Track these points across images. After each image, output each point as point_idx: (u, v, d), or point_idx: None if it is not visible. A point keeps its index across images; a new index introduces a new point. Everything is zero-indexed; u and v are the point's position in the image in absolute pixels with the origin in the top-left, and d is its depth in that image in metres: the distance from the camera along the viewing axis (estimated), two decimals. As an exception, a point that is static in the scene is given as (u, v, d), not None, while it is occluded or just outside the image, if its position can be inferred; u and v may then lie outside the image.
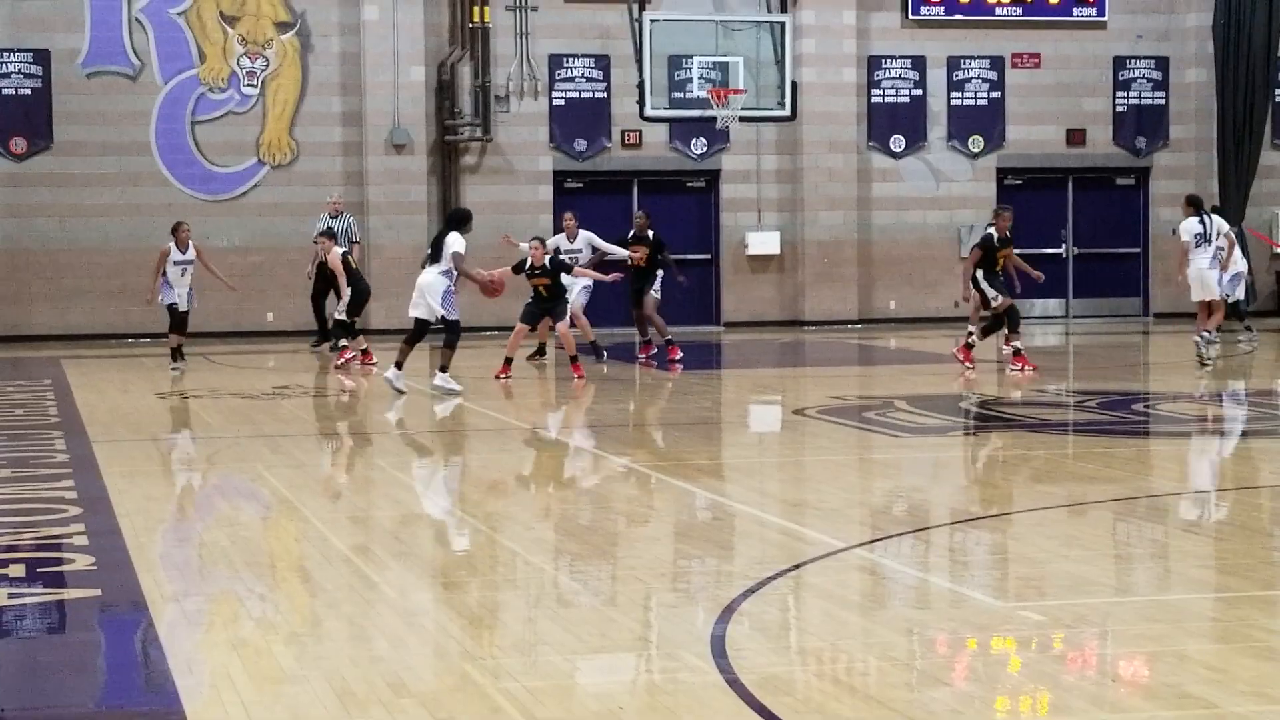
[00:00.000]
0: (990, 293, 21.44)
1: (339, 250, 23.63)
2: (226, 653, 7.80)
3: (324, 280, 25.23)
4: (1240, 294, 25.14)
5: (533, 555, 10.29)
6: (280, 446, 16.13)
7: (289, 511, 12.05)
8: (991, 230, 21.57)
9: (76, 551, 10.19)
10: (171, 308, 22.73)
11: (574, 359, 20.97)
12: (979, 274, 21.43)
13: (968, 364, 21.42)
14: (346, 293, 23.36)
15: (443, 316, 19.14)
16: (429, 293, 19.13)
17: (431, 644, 8.08)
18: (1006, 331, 21.59)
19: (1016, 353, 21.22)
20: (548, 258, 20.97)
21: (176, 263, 22.71)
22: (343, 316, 23.41)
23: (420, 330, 19.46)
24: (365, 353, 23.27)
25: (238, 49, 28.94)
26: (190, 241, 22.93)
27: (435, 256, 19.19)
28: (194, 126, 28.84)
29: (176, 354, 22.89)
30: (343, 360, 23.14)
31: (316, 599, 9.03)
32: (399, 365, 19.34)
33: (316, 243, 24.36)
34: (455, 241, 19.17)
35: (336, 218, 25.87)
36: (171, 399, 19.46)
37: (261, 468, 14.34)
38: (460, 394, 19.04)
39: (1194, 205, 22.42)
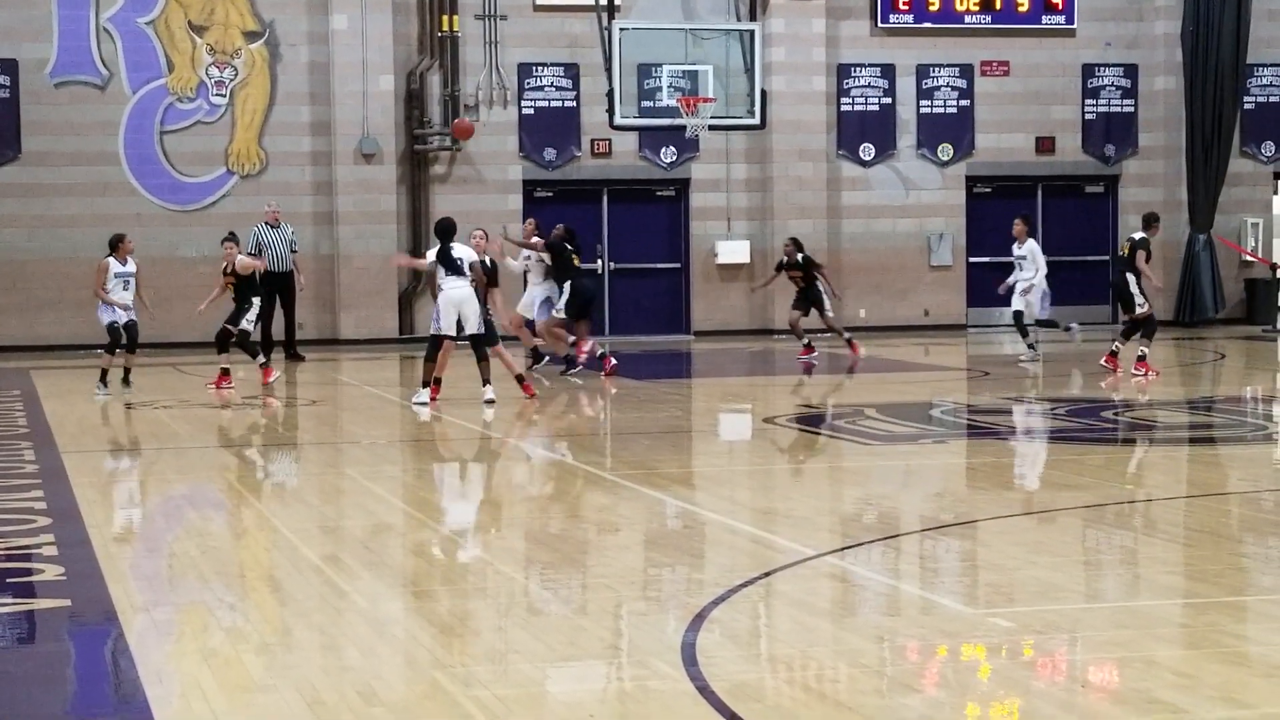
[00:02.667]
0: (1139, 299, 21.77)
1: (244, 258, 22.58)
2: (197, 663, 7.78)
3: (271, 290, 24.85)
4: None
5: (503, 564, 10.29)
6: (250, 456, 16.11)
7: (259, 521, 12.03)
8: (1146, 236, 21.93)
9: (46, 562, 10.15)
10: (111, 327, 21.28)
11: (520, 378, 19.89)
12: (1131, 279, 21.90)
13: (1117, 370, 21.73)
14: (255, 304, 22.43)
15: (477, 329, 18.92)
16: (468, 307, 18.80)
17: (402, 653, 8.07)
18: (1138, 337, 22.12)
19: (1139, 358, 21.77)
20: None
21: (118, 275, 21.52)
22: (247, 328, 22.10)
23: (436, 345, 19.07)
24: (225, 374, 21.68)
25: (206, 58, 28.89)
26: (130, 256, 21.67)
27: (456, 269, 18.80)
28: (162, 136, 28.78)
29: (106, 375, 21.16)
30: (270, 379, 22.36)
31: (287, 608, 9.02)
32: (428, 384, 19.09)
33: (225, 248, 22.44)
34: (468, 253, 18.96)
35: (276, 227, 25.75)
36: (141, 409, 19.40)
37: (231, 478, 14.33)
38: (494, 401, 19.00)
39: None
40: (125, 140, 28.64)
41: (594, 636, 8.30)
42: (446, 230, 19.15)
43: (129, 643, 8.20)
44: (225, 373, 21.65)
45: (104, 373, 21.18)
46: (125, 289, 21.59)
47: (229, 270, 21.97)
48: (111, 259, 21.44)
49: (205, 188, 28.93)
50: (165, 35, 28.78)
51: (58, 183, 28.41)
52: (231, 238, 22.47)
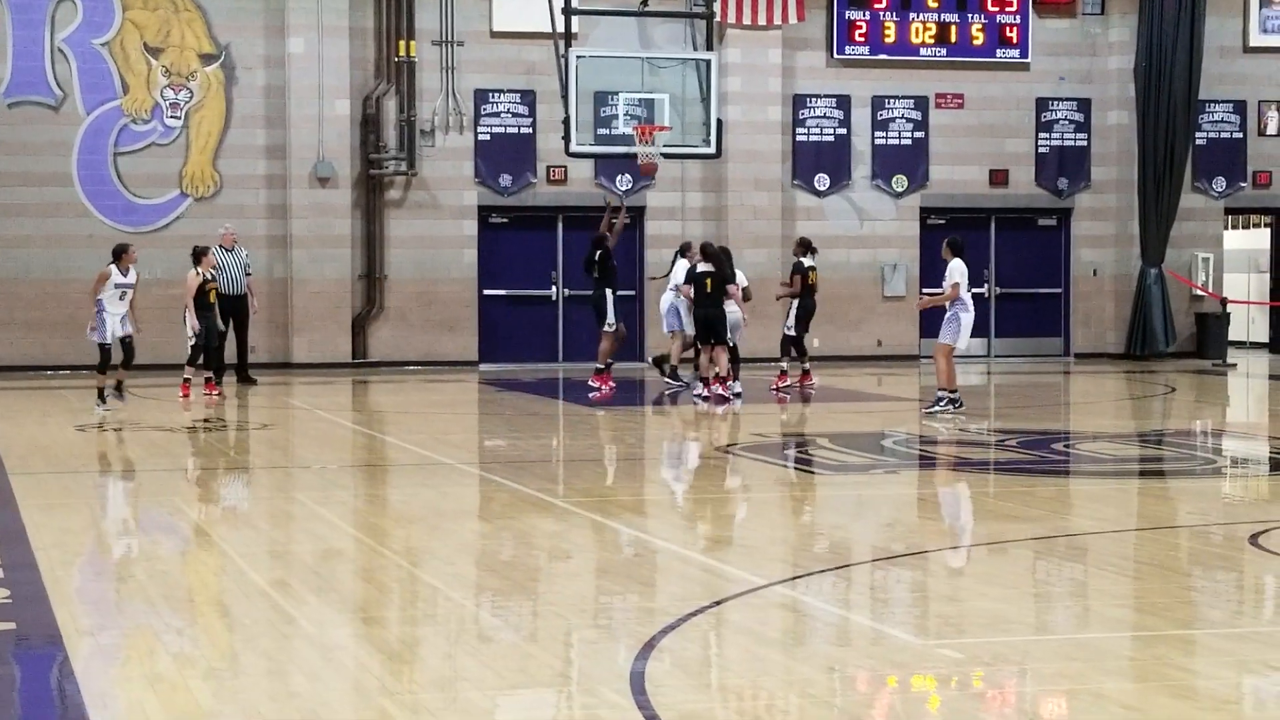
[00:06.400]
0: None
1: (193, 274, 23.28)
2: (143, 688, 7.73)
3: (224, 312, 25.07)
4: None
5: (453, 591, 10.26)
6: (200, 480, 16.04)
7: (207, 545, 11.97)
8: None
9: (-9, 585, 10.09)
10: (102, 347, 21.44)
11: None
12: None
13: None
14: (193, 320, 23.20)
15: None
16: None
17: (350, 679, 8.03)
18: None
19: None
20: None
21: (118, 285, 21.69)
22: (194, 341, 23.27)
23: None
24: (186, 383, 23.21)
25: (161, 80, 28.80)
26: (133, 267, 21.94)
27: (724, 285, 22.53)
28: (116, 158, 28.67)
29: (104, 393, 21.41)
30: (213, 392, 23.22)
31: (234, 634, 8.97)
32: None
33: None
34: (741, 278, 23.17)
35: (231, 250, 25.68)
36: (90, 431, 19.31)
37: (180, 501, 14.25)
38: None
39: (956, 248, 21.00)
40: (78, 161, 28.52)
41: (543, 664, 8.28)
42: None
43: (74, 667, 8.14)
44: (187, 382, 23.09)
45: (100, 390, 21.50)
46: (121, 299, 21.74)
47: (213, 275, 22.88)
48: (113, 267, 21.72)
49: (159, 210, 28.82)
50: (120, 57, 28.68)
51: (9, 203, 28.26)
52: (206, 247, 23.76)
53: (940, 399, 20.77)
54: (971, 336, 31.17)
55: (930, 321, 31.19)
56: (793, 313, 24.69)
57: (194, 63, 28.95)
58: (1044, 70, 31.78)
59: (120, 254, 21.92)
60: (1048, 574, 10.98)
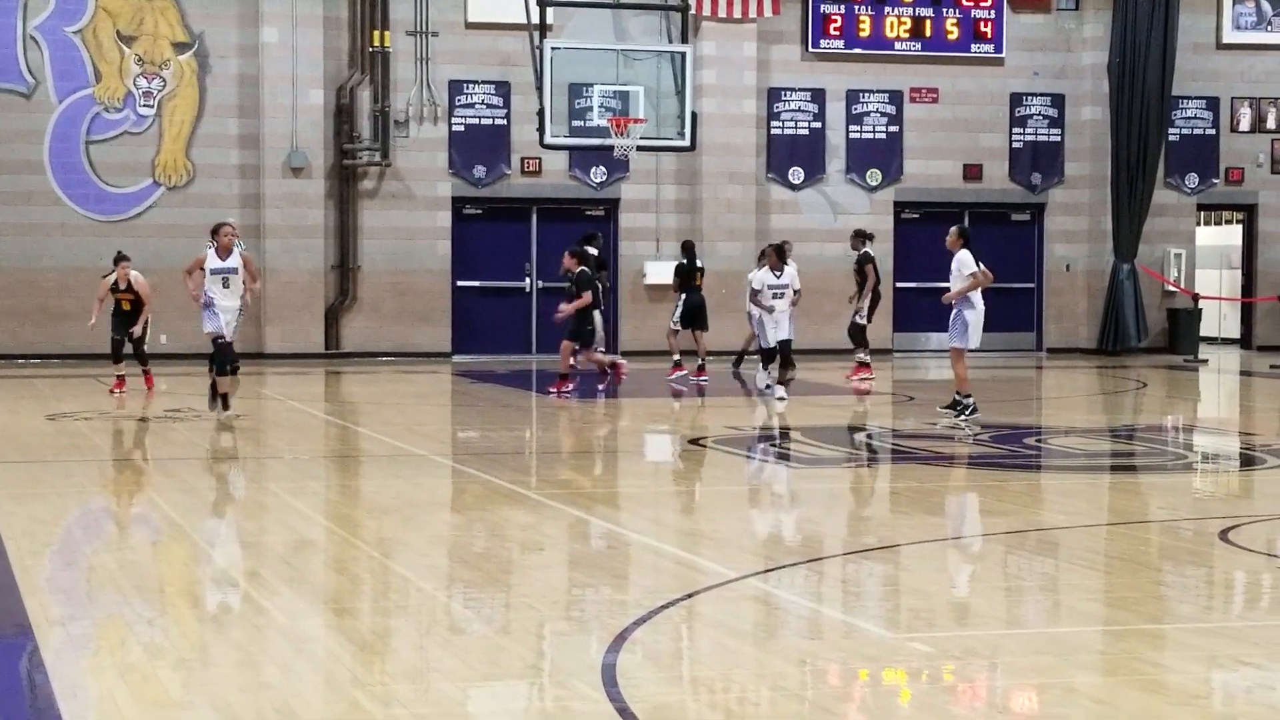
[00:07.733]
0: None
1: (141, 278, 22.31)
2: (113, 678, 7.72)
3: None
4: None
5: (425, 582, 10.24)
6: (171, 470, 15.99)
7: (179, 535, 11.94)
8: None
9: (-39, 574, 10.05)
10: (216, 341, 18.88)
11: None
12: None
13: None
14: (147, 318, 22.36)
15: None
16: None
17: (321, 671, 8.02)
18: None
19: None
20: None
21: (214, 271, 18.82)
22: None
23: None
24: (148, 374, 22.51)
25: (134, 69, 28.71)
26: (234, 247, 19.04)
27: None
28: (88, 146, 28.57)
29: (225, 400, 19.08)
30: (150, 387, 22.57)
31: (205, 624, 8.95)
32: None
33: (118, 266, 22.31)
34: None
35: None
36: (61, 421, 19.24)
37: (152, 491, 14.22)
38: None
39: (966, 237, 20.24)
40: (50, 149, 28.42)
41: (515, 656, 8.28)
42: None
43: (44, 657, 8.12)
44: (120, 379, 22.37)
45: (223, 395, 19.10)
46: (226, 286, 18.88)
47: (125, 287, 21.97)
48: (209, 251, 18.96)
49: (131, 199, 28.73)
50: (93, 44, 28.58)
51: (-19, 191, 28.17)
52: (125, 257, 22.50)
53: (956, 403, 19.66)
54: (944, 331, 31.29)
55: (904, 316, 31.32)
56: (866, 303, 24.99)
57: (167, 51, 28.87)
58: (1018, 65, 31.84)
59: (212, 234, 19.13)
60: (1019, 568, 11.00)
